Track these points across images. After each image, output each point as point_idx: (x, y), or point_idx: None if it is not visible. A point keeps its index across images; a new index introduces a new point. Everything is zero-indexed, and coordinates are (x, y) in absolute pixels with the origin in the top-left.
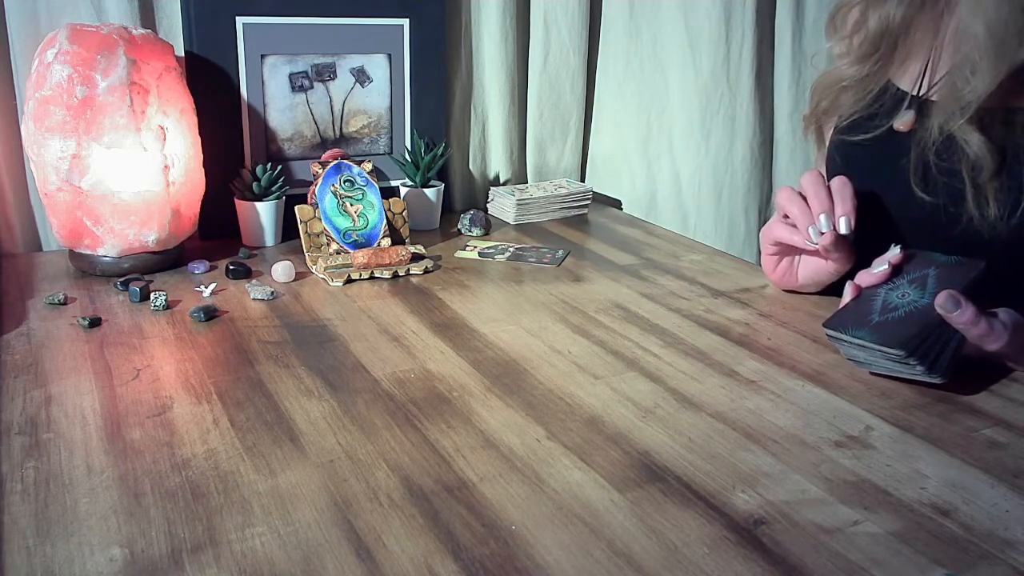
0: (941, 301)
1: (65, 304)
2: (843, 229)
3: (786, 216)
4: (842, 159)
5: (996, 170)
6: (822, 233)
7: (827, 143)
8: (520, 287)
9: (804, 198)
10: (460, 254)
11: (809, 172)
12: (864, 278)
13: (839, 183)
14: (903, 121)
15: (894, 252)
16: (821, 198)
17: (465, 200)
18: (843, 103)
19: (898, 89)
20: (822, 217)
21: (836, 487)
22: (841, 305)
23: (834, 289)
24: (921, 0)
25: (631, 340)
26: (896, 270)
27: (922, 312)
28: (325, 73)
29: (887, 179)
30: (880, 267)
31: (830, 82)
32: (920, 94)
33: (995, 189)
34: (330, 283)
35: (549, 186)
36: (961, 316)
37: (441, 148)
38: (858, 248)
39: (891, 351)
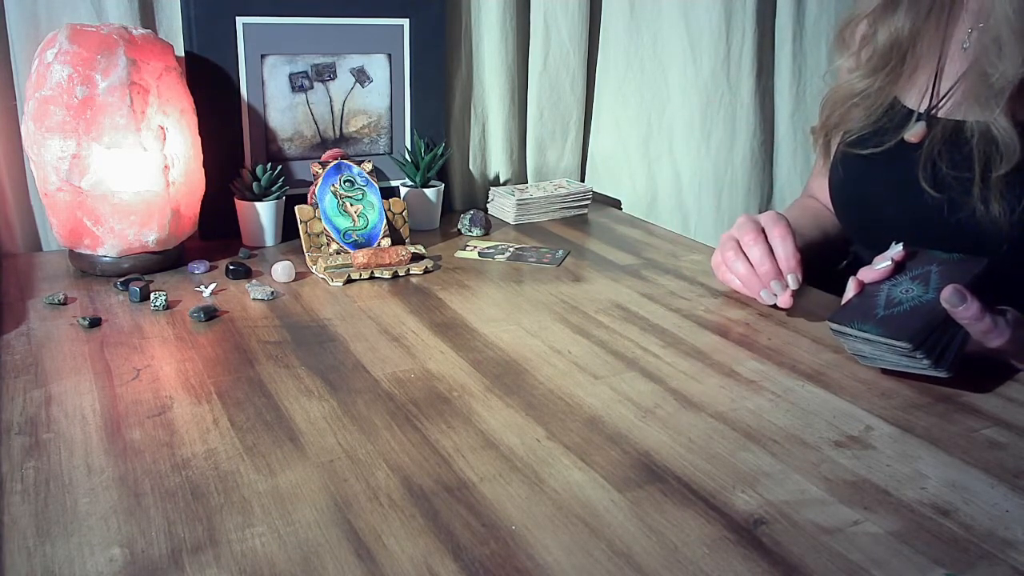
0: (947, 295)
1: (65, 304)
2: (793, 285)
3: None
4: (846, 170)
5: (1013, 166)
6: (775, 294)
7: (832, 156)
8: (520, 287)
9: (746, 254)
10: (460, 254)
11: (746, 223)
12: (867, 274)
13: (779, 233)
14: (913, 132)
15: (896, 249)
16: (764, 263)
17: (465, 200)
18: (853, 118)
19: (903, 106)
20: (773, 284)
21: (836, 487)
22: (844, 301)
23: (834, 287)
24: (928, 10)
25: (631, 340)
26: (898, 267)
27: (927, 307)
28: (325, 73)
29: (893, 183)
30: (883, 263)
31: (840, 97)
32: (928, 108)
33: (1002, 186)
34: (330, 283)
35: (549, 186)
36: (966, 311)
37: (441, 148)
38: (860, 248)
39: (898, 344)
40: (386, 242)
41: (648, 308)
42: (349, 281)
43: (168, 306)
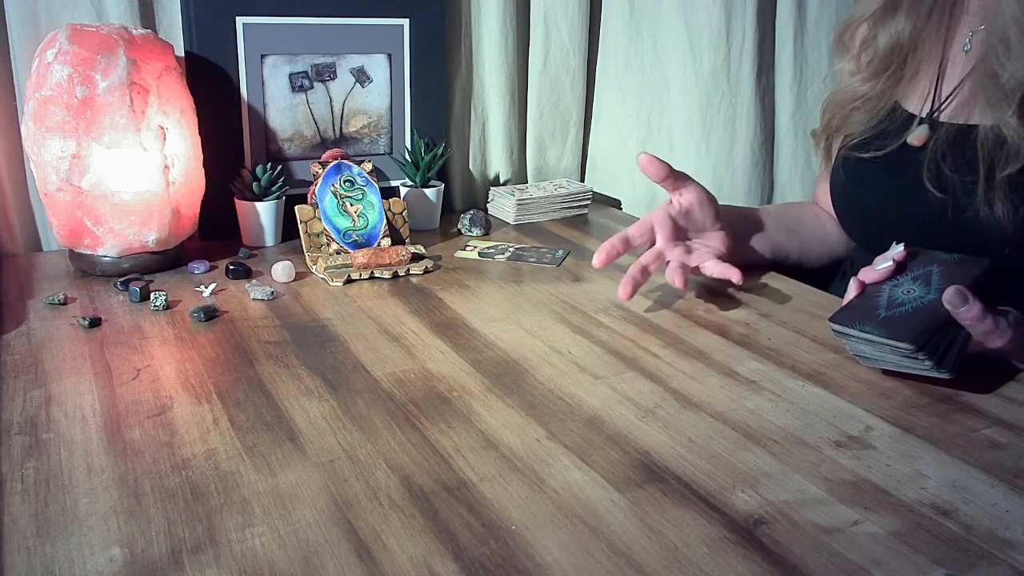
0: (949, 296)
1: (65, 304)
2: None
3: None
4: (848, 174)
5: (1018, 167)
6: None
7: (833, 159)
8: (520, 287)
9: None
10: (460, 254)
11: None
12: (868, 275)
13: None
14: (916, 136)
15: (897, 250)
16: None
17: (465, 200)
18: (854, 121)
19: (904, 110)
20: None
21: (836, 487)
22: (845, 301)
23: (835, 287)
24: (928, 12)
25: (631, 340)
26: (899, 267)
27: (929, 308)
28: (325, 73)
29: (895, 186)
30: (884, 264)
31: (842, 101)
32: (931, 112)
33: (1006, 188)
34: (330, 283)
35: (549, 186)
36: (968, 312)
37: (441, 148)
38: (863, 249)
39: (900, 345)
40: (386, 242)
41: (648, 308)
42: (349, 281)
43: (168, 306)
